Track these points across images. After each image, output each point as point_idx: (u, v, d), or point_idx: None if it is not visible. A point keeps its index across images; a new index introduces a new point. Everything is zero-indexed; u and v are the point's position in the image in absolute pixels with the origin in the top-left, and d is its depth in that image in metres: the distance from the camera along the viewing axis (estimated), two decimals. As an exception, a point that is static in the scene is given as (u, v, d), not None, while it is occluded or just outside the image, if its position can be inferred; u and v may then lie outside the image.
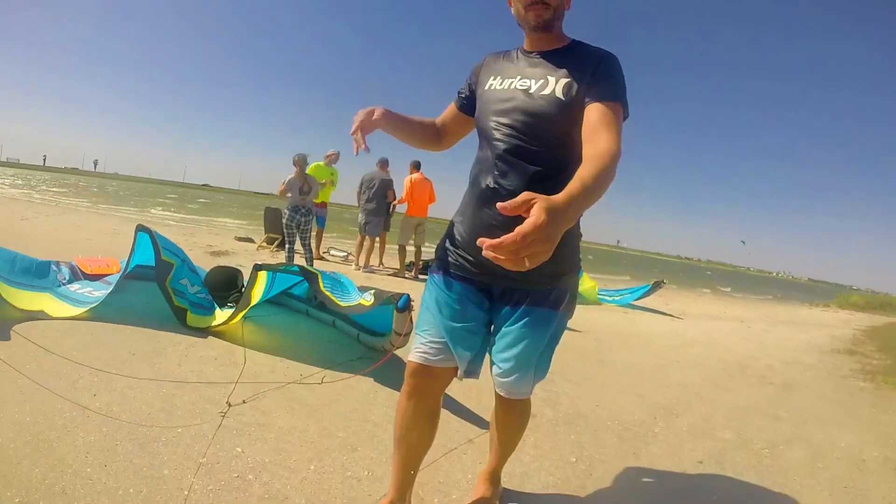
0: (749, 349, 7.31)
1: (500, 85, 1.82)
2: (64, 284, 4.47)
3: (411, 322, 3.33)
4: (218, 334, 4.00)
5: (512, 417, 2.05)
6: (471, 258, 1.78)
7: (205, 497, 1.99)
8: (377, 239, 9.58)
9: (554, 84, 1.72)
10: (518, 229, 1.05)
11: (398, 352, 3.81)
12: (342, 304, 3.59)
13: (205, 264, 5.81)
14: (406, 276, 9.54)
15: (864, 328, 12.99)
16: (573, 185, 1.30)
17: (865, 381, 6.15)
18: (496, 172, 1.73)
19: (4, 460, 1.99)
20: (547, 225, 1.08)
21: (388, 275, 9.43)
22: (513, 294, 1.78)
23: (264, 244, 10.66)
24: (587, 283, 9.29)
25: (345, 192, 13.03)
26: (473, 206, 1.79)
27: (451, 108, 2.06)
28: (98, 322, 3.83)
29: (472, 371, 1.82)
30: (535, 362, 1.81)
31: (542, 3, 1.73)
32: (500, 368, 1.81)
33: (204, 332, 4.01)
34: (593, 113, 1.62)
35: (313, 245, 8.71)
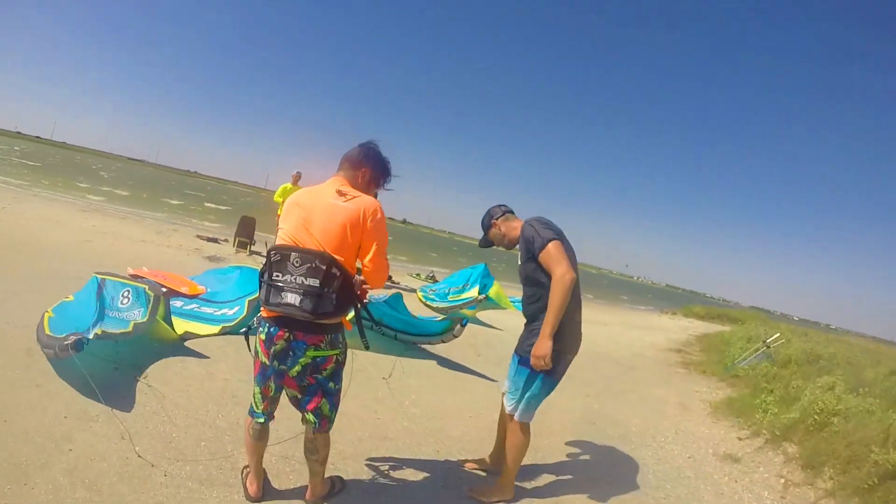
0: (610, 345, 10.80)
1: None
2: (180, 306, 5.71)
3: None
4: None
5: (507, 433, 3.40)
6: None
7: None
8: None
9: (519, 257, 3.35)
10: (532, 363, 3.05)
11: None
12: (404, 327, 6.48)
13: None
14: None
15: (698, 334, 17.20)
16: (544, 320, 3.00)
17: (682, 369, 9.90)
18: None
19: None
20: (534, 361, 3.01)
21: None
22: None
23: (239, 248, 12.71)
24: (495, 289, 12.00)
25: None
26: None
27: None
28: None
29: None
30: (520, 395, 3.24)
31: (497, 245, 3.61)
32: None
33: None
34: (542, 261, 3.09)
35: None
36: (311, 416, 2.62)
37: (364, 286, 2.63)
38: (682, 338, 15.32)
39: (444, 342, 6.47)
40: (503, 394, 3.55)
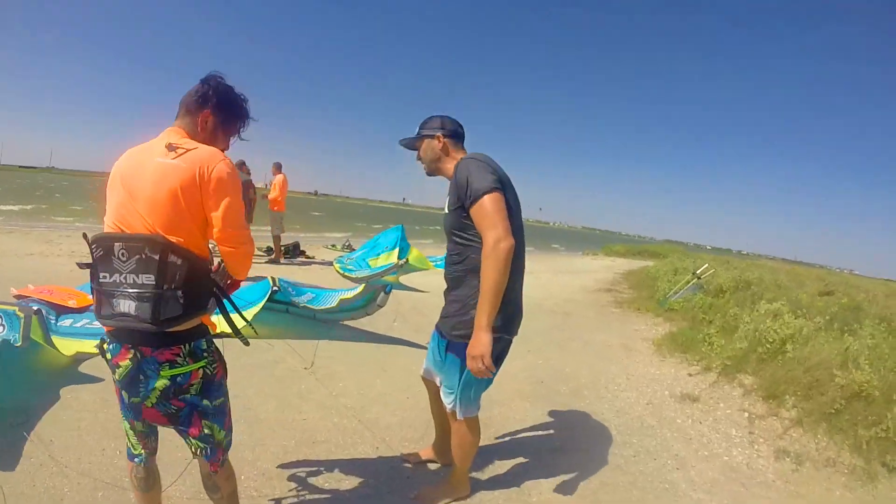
0: (540, 294, 10.42)
1: None
2: (70, 324, 4.86)
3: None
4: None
5: (451, 432, 2.74)
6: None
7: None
8: None
9: (446, 202, 2.57)
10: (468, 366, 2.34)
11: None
12: (324, 308, 5.56)
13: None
14: (282, 261, 11.06)
15: (623, 272, 17.22)
16: (478, 306, 2.29)
17: (616, 309, 9.70)
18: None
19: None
20: (470, 363, 2.29)
21: (265, 262, 10.80)
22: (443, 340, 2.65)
23: None
24: (414, 254, 11.27)
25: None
26: None
27: None
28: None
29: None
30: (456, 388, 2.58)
31: (419, 159, 2.72)
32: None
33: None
34: (474, 219, 2.36)
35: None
36: (196, 443, 1.95)
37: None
38: (608, 277, 15.26)
39: (368, 314, 5.81)
40: (423, 378, 2.99)
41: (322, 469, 3.03)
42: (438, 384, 2.77)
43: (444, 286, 2.67)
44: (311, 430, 3.51)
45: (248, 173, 10.62)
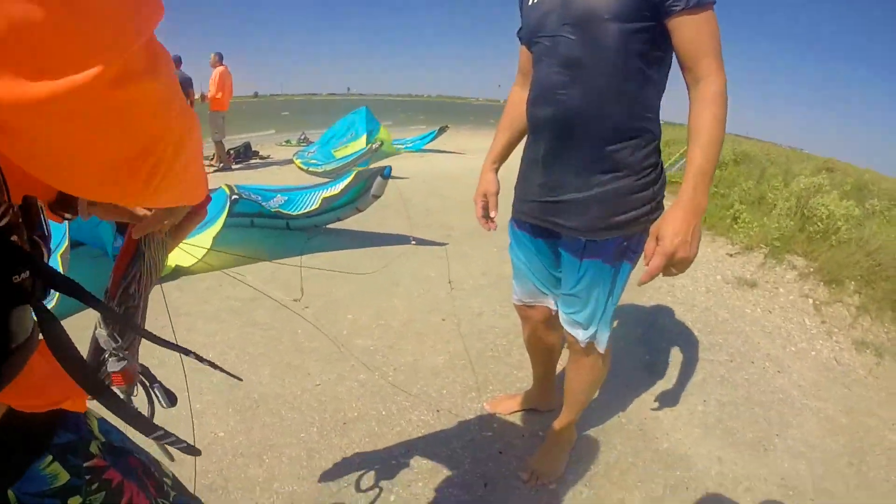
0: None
1: None
2: None
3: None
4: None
5: (574, 369, 1.90)
6: (531, 202, 1.69)
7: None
8: None
9: None
10: (650, 269, 1.28)
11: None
12: (302, 212, 4.26)
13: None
14: (234, 166, 9.31)
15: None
16: (690, 168, 1.30)
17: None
18: (542, 103, 1.52)
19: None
20: (667, 251, 1.25)
21: (214, 171, 8.78)
22: (573, 242, 1.61)
23: None
24: (384, 135, 9.98)
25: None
26: (528, 143, 1.68)
27: (522, 50, 1.75)
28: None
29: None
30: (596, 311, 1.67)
31: None
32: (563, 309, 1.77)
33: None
34: (683, 32, 1.31)
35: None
36: None
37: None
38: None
39: (360, 210, 4.40)
40: (519, 306, 2.03)
41: (365, 459, 2.09)
42: (553, 310, 1.89)
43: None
44: (337, 401, 2.47)
45: (183, 71, 8.75)
